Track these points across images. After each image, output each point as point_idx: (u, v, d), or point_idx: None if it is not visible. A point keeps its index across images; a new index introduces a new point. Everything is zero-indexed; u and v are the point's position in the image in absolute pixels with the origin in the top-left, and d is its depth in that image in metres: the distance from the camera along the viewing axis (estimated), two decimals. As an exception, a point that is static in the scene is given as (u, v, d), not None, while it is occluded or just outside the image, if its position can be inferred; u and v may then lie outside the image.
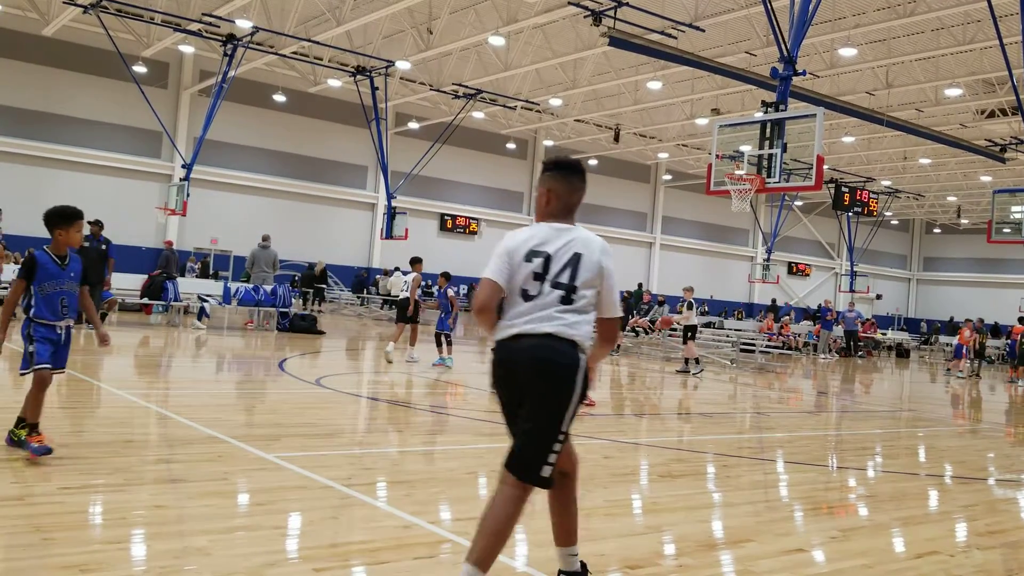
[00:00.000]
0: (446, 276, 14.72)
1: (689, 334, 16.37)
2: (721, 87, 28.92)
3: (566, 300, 3.57)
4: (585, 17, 21.42)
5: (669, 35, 22.85)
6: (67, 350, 5.92)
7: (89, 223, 16.04)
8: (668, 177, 47.60)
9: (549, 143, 42.35)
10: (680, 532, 5.04)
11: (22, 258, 17.19)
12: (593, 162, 43.41)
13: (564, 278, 3.59)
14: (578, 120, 37.04)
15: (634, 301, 28.48)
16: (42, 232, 5.70)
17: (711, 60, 23.15)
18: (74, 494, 4.88)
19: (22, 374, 5.75)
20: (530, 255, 3.61)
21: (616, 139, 38.58)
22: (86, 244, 15.75)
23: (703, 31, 23.14)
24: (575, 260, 3.61)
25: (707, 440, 8.83)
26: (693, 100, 32.09)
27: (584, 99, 33.88)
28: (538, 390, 3.52)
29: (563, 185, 3.75)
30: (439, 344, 14.38)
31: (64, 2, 24.85)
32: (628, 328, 20.51)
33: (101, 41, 26.39)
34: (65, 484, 5.04)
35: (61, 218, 5.77)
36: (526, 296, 3.58)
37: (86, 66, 30.51)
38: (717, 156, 14.70)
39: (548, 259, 3.60)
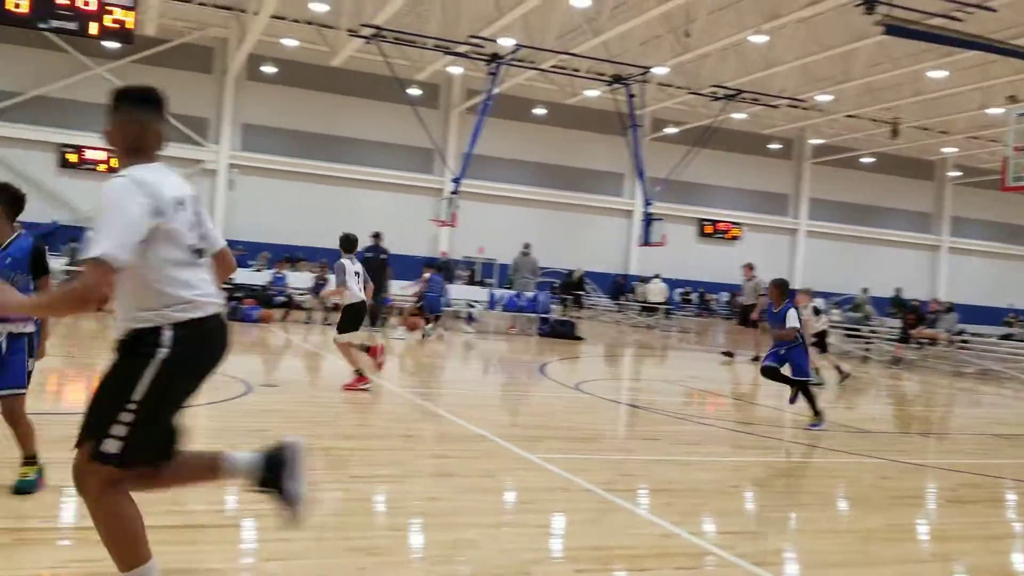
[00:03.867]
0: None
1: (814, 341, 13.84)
2: (1018, 72, 25.99)
3: (204, 260, 3.14)
4: (856, 6, 20.11)
5: (954, 18, 20.85)
6: None
7: (371, 235, 17.48)
8: (956, 173, 43.45)
9: (817, 141, 40.25)
10: (973, 563, 4.55)
11: (321, 268, 19.00)
12: (868, 160, 40.70)
13: (200, 232, 3.11)
14: (850, 116, 34.90)
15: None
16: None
17: (1004, 42, 20.86)
18: (361, 483, 5.31)
19: None
20: (177, 205, 2.99)
21: (894, 134, 35.89)
22: (368, 255, 17.16)
23: (994, 11, 20.89)
24: (200, 208, 3.14)
25: (1005, 464, 7.92)
26: (984, 88, 29.11)
27: (857, 93, 31.86)
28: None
29: (152, 117, 3.10)
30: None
31: (349, 35, 27.31)
32: (913, 340, 18.79)
33: (380, 68, 28.65)
34: (355, 473, 5.49)
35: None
36: (196, 254, 3.05)
37: (367, 92, 33.32)
38: (1015, 149, 13.21)
39: (192, 209, 3.07)
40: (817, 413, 8.67)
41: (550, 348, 16.86)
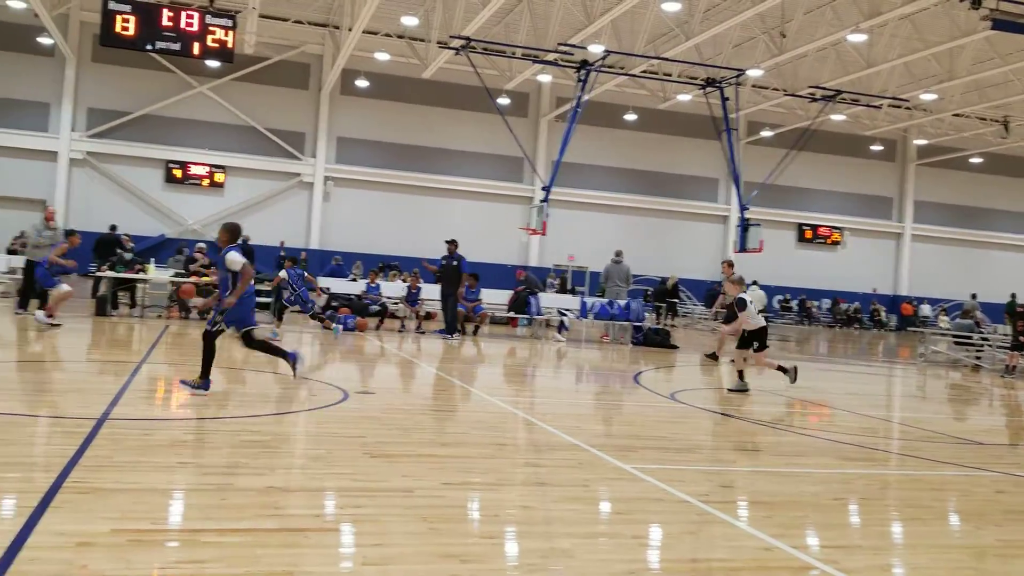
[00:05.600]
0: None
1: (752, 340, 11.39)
2: None
3: None
4: (961, 0, 19.30)
5: (1069, 8, 19.79)
6: None
7: (446, 242, 17.84)
8: (1072, 172, 41.17)
9: (922, 142, 38.75)
10: (1102, 586, 4.27)
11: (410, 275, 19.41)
12: (977, 160, 38.95)
13: None
14: (956, 115, 33.49)
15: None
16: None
17: None
18: (455, 490, 5.34)
19: None
20: None
21: (1005, 132, 34.28)
22: (443, 261, 17.59)
23: (1115, -1, 19.73)
24: None
25: None
26: (1102, 80, 27.54)
27: (963, 91, 30.55)
28: None
29: None
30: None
31: (439, 47, 27.70)
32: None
33: (470, 78, 28.96)
34: (448, 480, 5.53)
35: None
36: None
37: (457, 102, 33.73)
38: None
39: None
40: (204, 376, 7.99)
41: (644, 357, 16.67)
